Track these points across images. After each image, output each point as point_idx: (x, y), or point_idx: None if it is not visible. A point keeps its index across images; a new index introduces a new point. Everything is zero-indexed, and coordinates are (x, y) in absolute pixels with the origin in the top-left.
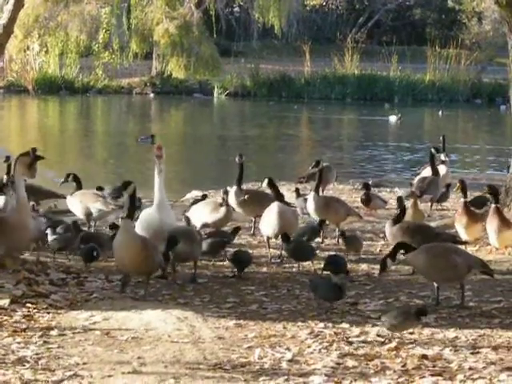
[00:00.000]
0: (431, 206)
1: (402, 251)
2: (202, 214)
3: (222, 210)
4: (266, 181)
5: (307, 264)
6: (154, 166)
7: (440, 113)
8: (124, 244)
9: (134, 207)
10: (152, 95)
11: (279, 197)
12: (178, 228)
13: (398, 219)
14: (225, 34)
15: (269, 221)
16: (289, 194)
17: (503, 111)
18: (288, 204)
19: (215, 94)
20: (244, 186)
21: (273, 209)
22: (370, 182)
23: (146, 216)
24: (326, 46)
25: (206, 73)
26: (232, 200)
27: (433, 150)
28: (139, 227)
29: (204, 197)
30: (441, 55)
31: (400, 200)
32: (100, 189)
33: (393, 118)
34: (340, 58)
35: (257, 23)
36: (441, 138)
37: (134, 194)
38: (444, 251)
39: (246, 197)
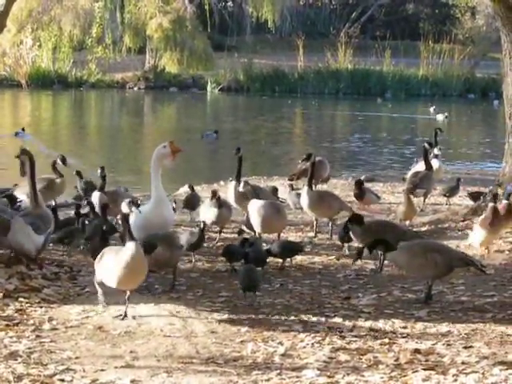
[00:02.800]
0: (424, 200)
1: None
2: (202, 215)
3: (214, 211)
4: (242, 184)
5: (300, 258)
6: (151, 161)
7: (432, 109)
8: (139, 269)
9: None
10: (136, 89)
11: (257, 195)
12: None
13: (360, 221)
14: (218, 28)
15: (253, 218)
16: (282, 189)
17: (496, 106)
18: (278, 199)
19: (208, 89)
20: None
21: (252, 207)
22: (363, 177)
23: (145, 212)
24: (320, 40)
25: (199, 67)
26: (231, 195)
27: (426, 145)
28: (136, 224)
29: (191, 188)
30: (434, 50)
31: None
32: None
33: (440, 117)
34: (333, 52)
35: (250, 18)
36: (434, 132)
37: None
38: (424, 250)
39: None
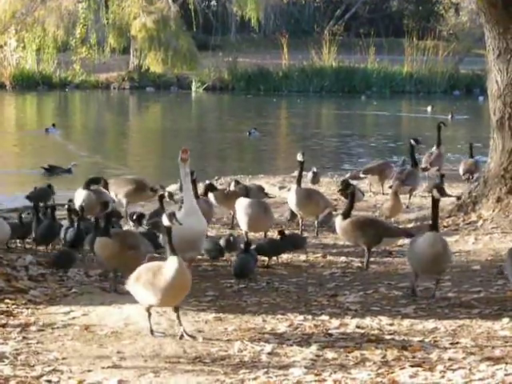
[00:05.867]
0: (410, 197)
1: None
2: None
3: None
4: (233, 183)
5: (286, 256)
6: (180, 170)
7: (429, 108)
8: (183, 284)
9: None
10: (120, 89)
11: (247, 194)
12: (119, 231)
13: (347, 213)
14: (202, 27)
15: (240, 216)
16: (267, 187)
17: (481, 102)
18: (267, 195)
19: (193, 88)
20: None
21: (239, 205)
22: (348, 175)
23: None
24: (304, 38)
25: (183, 67)
26: (211, 196)
27: (412, 142)
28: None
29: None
30: (418, 47)
31: (351, 194)
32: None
33: (449, 116)
34: (317, 50)
35: (234, 16)
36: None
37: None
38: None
39: (226, 190)
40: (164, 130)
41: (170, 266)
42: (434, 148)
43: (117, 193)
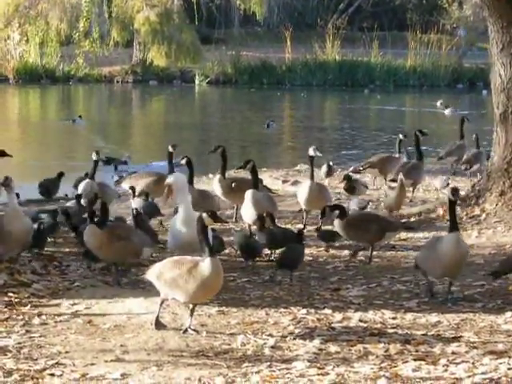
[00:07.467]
0: (413, 190)
1: None
2: None
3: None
4: (251, 165)
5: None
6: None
7: (439, 103)
8: (217, 285)
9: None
10: (124, 83)
11: (256, 184)
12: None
13: (343, 214)
14: (205, 21)
15: (246, 208)
16: (270, 181)
17: (485, 96)
18: (270, 190)
19: (196, 82)
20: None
21: (248, 197)
22: (351, 169)
23: (173, 228)
24: (307, 32)
25: (187, 60)
26: (217, 188)
27: (417, 133)
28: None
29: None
30: (422, 40)
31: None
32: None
33: (447, 110)
34: (321, 44)
35: (238, 10)
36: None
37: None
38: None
39: (233, 185)
40: (170, 123)
41: (208, 266)
42: (458, 141)
43: (136, 185)
